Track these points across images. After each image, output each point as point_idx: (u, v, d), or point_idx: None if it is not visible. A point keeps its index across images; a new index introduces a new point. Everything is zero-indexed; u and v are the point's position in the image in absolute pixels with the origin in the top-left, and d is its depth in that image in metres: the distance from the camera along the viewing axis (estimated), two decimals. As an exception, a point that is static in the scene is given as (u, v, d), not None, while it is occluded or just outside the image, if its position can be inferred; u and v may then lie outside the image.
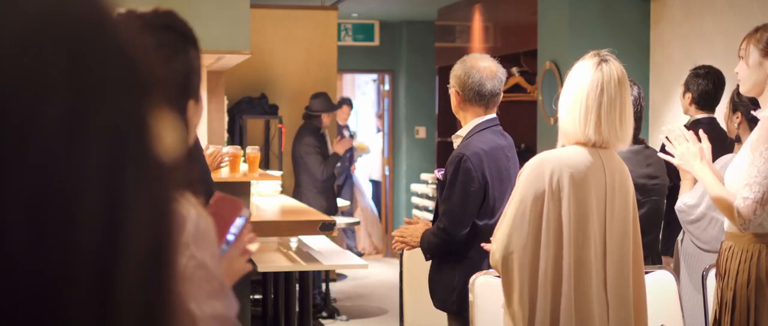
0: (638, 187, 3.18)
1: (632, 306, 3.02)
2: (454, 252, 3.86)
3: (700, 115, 4.80)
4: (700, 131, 3.61)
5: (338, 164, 8.66)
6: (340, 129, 10.30)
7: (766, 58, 3.41)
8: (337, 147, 8.39)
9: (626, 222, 3.03)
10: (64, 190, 0.55)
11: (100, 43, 0.59)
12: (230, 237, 1.90)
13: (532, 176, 2.94)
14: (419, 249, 4.00)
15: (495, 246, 3.00)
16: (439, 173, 3.99)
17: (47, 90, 0.55)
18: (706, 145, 3.53)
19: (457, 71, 3.95)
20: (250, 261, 2.02)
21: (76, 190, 0.55)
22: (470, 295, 3.62)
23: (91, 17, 0.59)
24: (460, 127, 4.01)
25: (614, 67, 3.00)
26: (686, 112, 4.92)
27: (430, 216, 4.42)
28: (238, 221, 1.91)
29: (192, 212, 1.72)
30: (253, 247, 1.97)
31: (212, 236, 1.76)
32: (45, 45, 0.56)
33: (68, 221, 0.55)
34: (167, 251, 0.61)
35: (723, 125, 4.75)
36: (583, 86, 2.97)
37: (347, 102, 11.04)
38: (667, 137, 3.60)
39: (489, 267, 3.79)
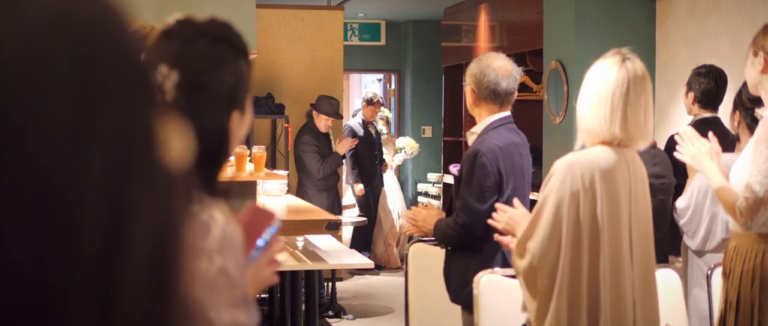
0: (646, 186, 3.20)
1: (657, 304, 3.05)
2: (467, 244, 3.90)
3: (704, 114, 4.82)
4: (710, 134, 3.63)
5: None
6: (363, 126, 9.61)
7: (756, 56, 3.43)
8: (339, 147, 8.40)
9: (647, 220, 3.05)
10: (66, 196, 0.55)
11: (106, 47, 0.58)
12: (260, 242, 1.91)
13: (565, 178, 2.92)
14: (424, 241, 4.02)
15: (528, 257, 2.95)
16: (454, 169, 4.02)
17: (51, 95, 0.55)
18: (716, 146, 3.54)
19: (472, 70, 3.98)
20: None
21: (79, 196, 0.55)
22: (474, 292, 3.63)
23: (98, 21, 0.58)
24: (474, 124, 4.06)
25: (637, 64, 3.00)
26: (689, 111, 4.93)
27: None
28: (269, 230, 1.92)
29: (220, 218, 1.71)
30: (281, 257, 1.98)
31: (238, 245, 1.75)
32: (49, 49, 0.55)
33: (71, 227, 0.54)
34: (172, 259, 0.60)
35: (727, 123, 4.77)
36: (608, 83, 2.96)
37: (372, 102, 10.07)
38: (678, 134, 3.63)
39: (502, 263, 3.81)
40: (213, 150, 1.80)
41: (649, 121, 3.00)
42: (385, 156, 10.33)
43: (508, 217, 3.23)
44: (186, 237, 0.62)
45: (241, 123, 1.87)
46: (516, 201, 3.36)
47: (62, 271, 0.54)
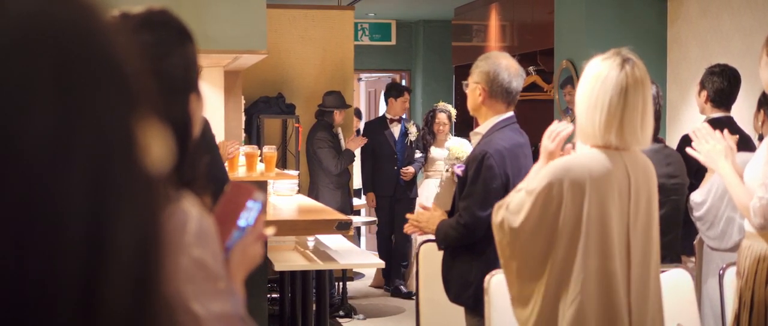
0: (658, 187, 3.16)
1: (652, 308, 3.01)
2: (470, 245, 3.88)
3: (716, 113, 4.80)
4: (725, 132, 3.60)
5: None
6: (387, 122, 8.84)
7: None
8: (349, 144, 8.39)
9: (650, 223, 3.00)
10: (48, 202, 0.54)
11: (88, 50, 0.57)
12: (242, 222, 1.90)
13: (552, 181, 2.91)
14: (431, 240, 4.01)
15: (505, 215, 3.00)
16: (459, 170, 4.01)
17: (32, 102, 0.54)
18: (731, 143, 3.52)
19: (483, 68, 3.94)
20: (266, 258, 2.02)
21: (61, 202, 0.55)
22: (486, 294, 3.62)
23: (79, 22, 0.58)
24: (478, 125, 4.03)
25: (637, 67, 2.93)
26: (702, 111, 4.91)
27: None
28: (252, 207, 1.91)
29: (194, 212, 1.72)
30: (269, 231, 1.97)
31: (214, 236, 1.76)
32: (29, 53, 0.54)
33: (52, 232, 0.54)
34: (155, 260, 0.60)
35: (740, 123, 4.75)
36: (606, 88, 2.90)
37: (404, 90, 9.07)
38: (693, 133, 3.60)
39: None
40: (181, 138, 1.81)
41: (646, 125, 2.94)
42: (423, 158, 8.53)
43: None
44: (167, 237, 0.62)
45: (199, 104, 1.88)
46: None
47: (44, 274, 0.54)
